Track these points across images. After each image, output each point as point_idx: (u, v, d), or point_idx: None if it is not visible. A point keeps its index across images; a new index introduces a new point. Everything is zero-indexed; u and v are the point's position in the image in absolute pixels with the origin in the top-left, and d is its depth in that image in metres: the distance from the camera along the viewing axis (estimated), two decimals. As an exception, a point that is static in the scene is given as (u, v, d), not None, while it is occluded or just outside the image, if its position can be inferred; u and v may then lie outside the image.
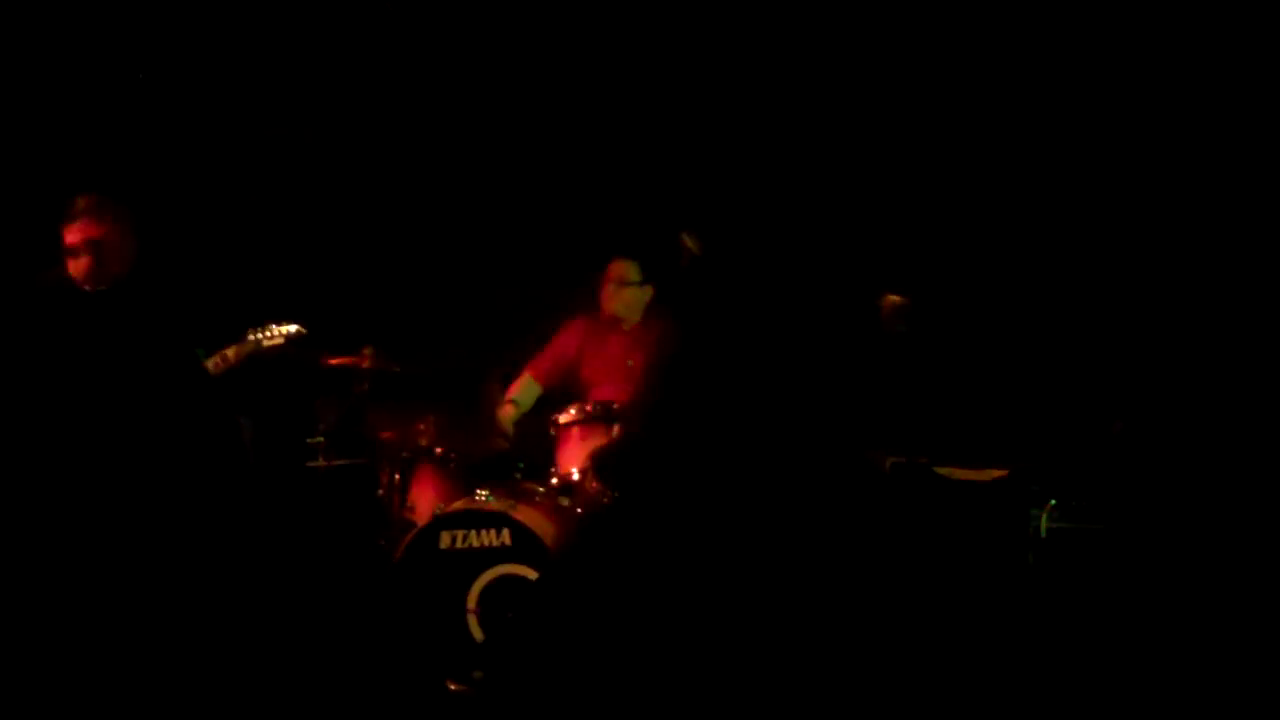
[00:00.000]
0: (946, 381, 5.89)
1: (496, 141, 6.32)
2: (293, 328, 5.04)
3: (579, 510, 5.20)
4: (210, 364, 4.99)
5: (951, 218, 6.09)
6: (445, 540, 5.27)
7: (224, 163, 6.28)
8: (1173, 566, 5.32)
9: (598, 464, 4.66)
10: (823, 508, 5.60)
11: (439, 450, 5.70)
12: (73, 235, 4.94)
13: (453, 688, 5.09)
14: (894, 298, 5.51)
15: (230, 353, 5.00)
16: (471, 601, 5.18)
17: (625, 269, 5.69)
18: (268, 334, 5.00)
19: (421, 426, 5.80)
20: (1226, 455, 5.54)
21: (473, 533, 5.24)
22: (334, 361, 5.73)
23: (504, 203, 6.32)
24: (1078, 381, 5.77)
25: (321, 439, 5.83)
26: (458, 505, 5.36)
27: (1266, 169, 5.69)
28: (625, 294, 5.70)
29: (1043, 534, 5.43)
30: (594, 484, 5.23)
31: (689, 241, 5.17)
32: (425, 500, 5.65)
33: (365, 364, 5.71)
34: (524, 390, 5.85)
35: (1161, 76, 5.81)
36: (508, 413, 5.78)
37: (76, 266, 4.97)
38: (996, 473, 5.56)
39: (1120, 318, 5.84)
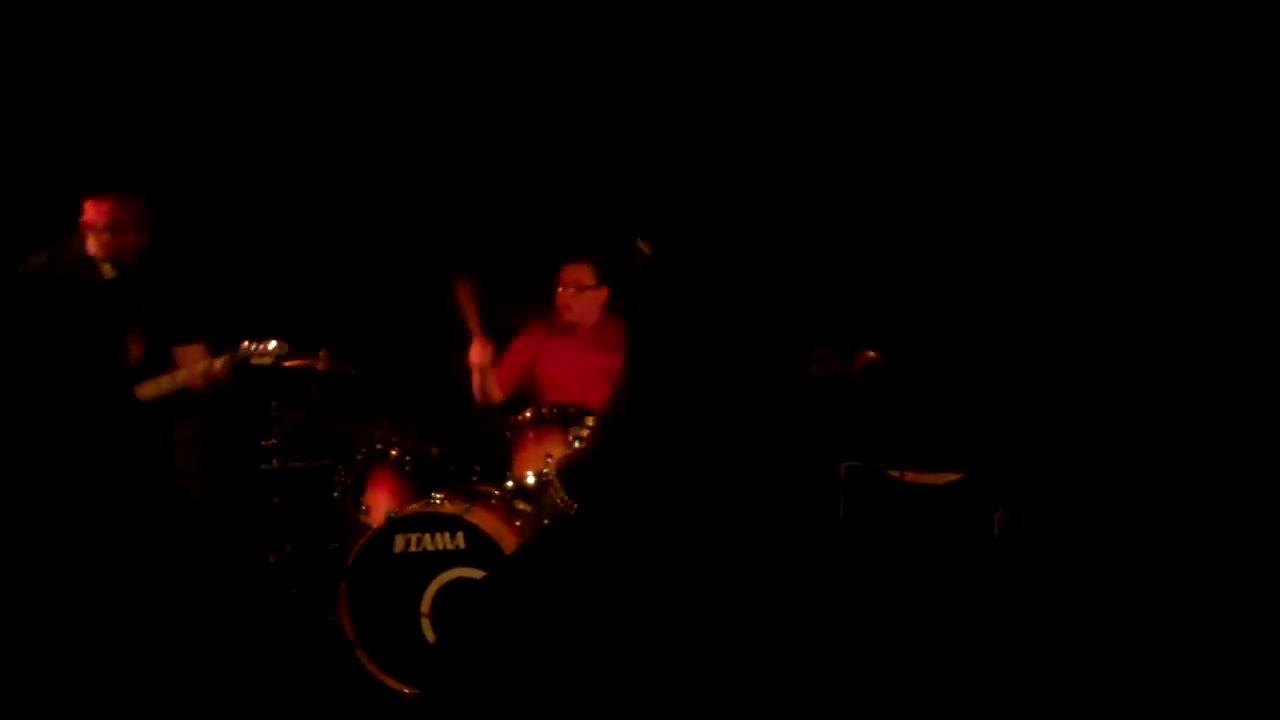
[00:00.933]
0: (903, 384, 5.91)
1: (455, 142, 6.30)
2: (284, 347, 5.04)
3: (546, 521, 5.17)
4: (199, 370, 4.97)
5: (910, 219, 6.10)
6: (399, 544, 5.25)
7: (181, 160, 6.24)
8: (1129, 567, 5.36)
9: (563, 474, 4.62)
10: (781, 512, 5.62)
11: (394, 453, 5.67)
12: (91, 213, 4.96)
13: (405, 691, 5.09)
14: (870, 354, 5.52)
15: (218, 363, 4.98)
16: (425, 605, 5.16)
17: (580, 272, 5.67)
18: (258, 349, 4.99)
19: (377, 428, 5.78)
20: (1186, 454, 5.59)
21: (427, 536, 5.23)
22: (289, 363, 5.70)
23: (461, 204, 6.29)
24: (1032, 383, 5.80)
25: (276, 441, 5.80)
26: (412, 508, 5.35)
27: (1248, 177, 5.72)
28: (582, 298, 5.68)
29: (995, 534, 5.46)
30: (559, 494, 5.22)
31: (643, 245, 5.16)
32: (380, 503, 5.63)
33: (321, 365, 5.67)
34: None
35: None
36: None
37: (97, 243, 4.98)
38: (951, 476, 5.58)
39: (1074, 318, 5.86)
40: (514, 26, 6.22)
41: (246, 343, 5.04)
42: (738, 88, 5.96)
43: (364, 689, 5.12)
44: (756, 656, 5.15)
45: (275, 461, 5.80)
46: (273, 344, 5.04)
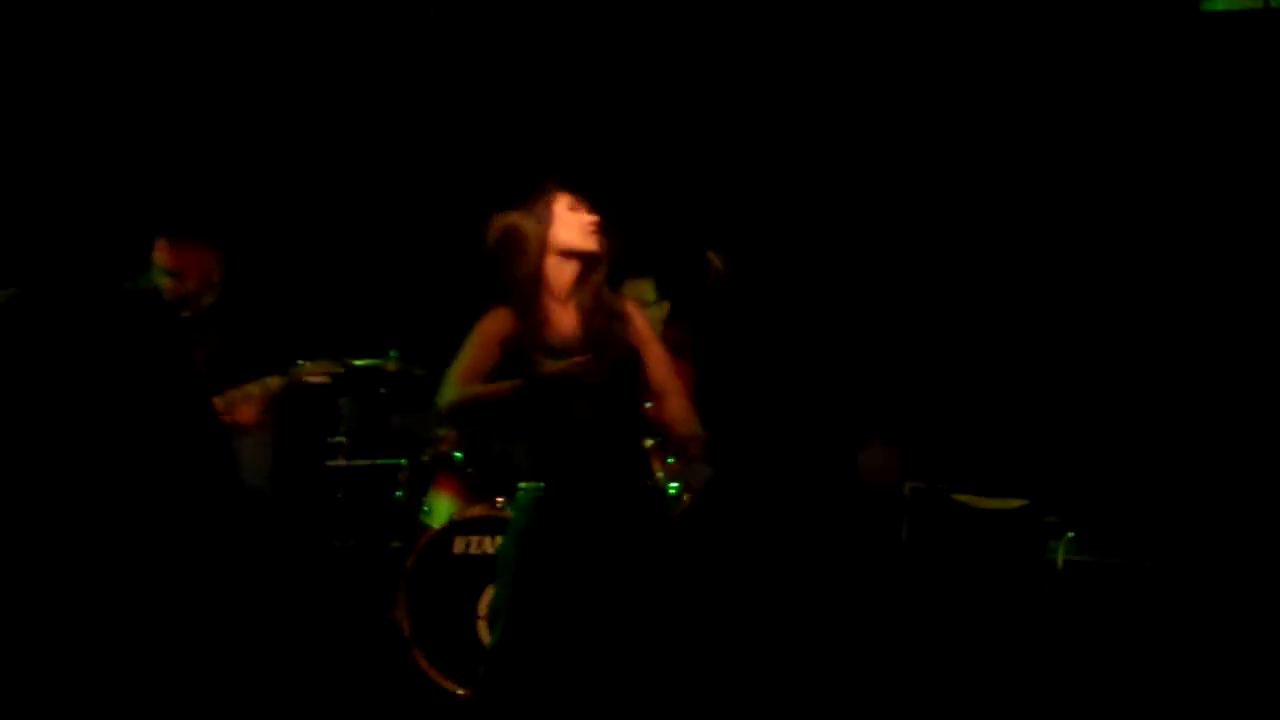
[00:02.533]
0: (968, 407, 5.88)
1: (520, 152, 6.34)
2: (338, 366, 5.06)
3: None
4: (257, 390, 4.99)
5: (979, 242, 6.06)
6: (459, 545, 5.29)
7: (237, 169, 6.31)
8: (1189, 602, 5.29)
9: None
10: (838, 529, 5.60)
11: (458, 455, 5.71)
12: (168, 258, 5.00)
13: (460, 693, 5.11)
14: (886, 449, 5.53)
15: (273, 382, 5.01)
16: (482, 608, 5.19)
17: (642, 289, 5.68)
18: (313, 370, 5.02)
19: (443, 431, 5.82)
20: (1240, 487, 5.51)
21: (486, 539, 5.26)
22: (359, 362, 5.76)
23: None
24: (1098, 412, 5.74)
25: (344, 439, 5.85)
26: (474, 511, 5.38)
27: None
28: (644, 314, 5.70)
29: (1059, 566, 5.41)
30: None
31: (715, 260, 5.18)
32: (443, 504, 5.67)
33: (390, 367, 5.74)
34: None
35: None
36: None
37: (172, 286, 5.04)
38: (1016, 502, 5.54)
39: (1145, 352, 5.81)
40: (566, 38, 6.25)
41: (301, 363, 5.06)
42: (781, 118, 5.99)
43: (418, 688, 5.15)
44: (812, 675, 5.16)
45: (342, 458, 5.86)
46: (326, 364, 5.06)
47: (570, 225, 4.00)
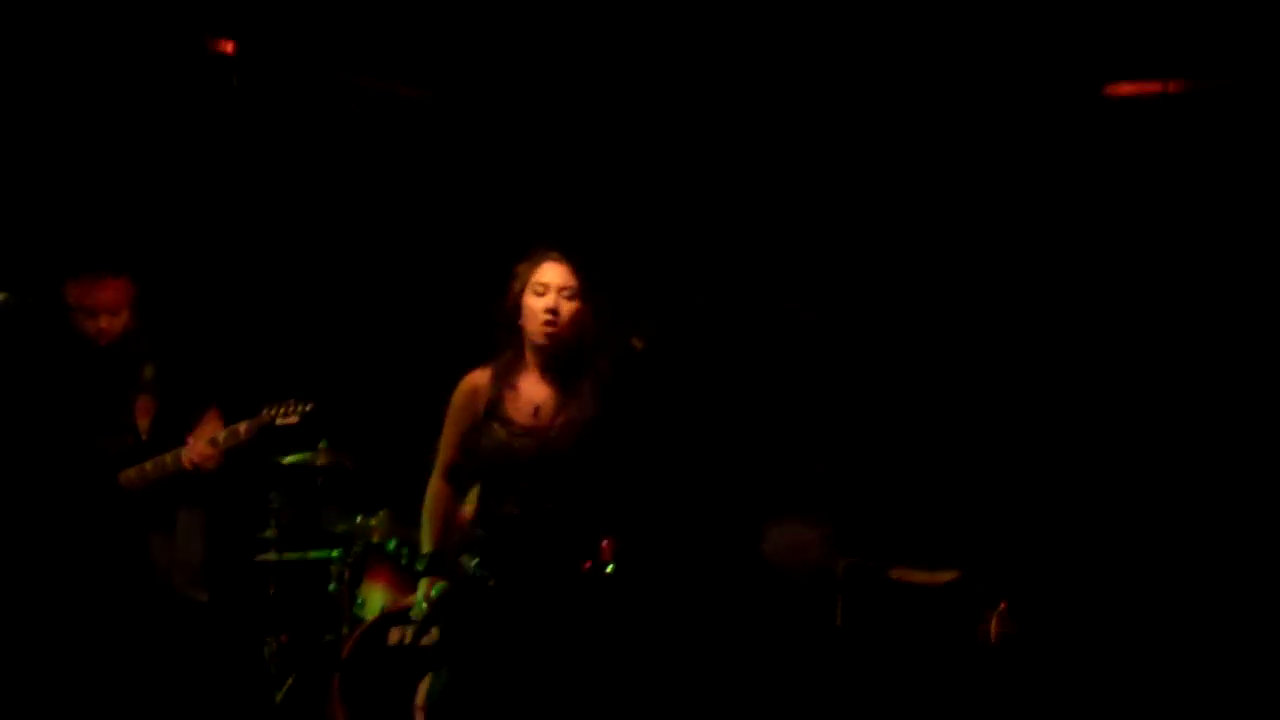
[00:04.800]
0: (901, 483, 5.92)
1: (453, 232, 6.36)
2: (307, 406, 5.01)
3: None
4: (221, 437, 4.94)
5: (909, 308, 6.12)
6: (394, 636, 5.24)
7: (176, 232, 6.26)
8: (1128, 671, 5.32)
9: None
10: (753, 614, 5.59)
11: (390, 545, 5.67)
12: (75, 295, 4.97)
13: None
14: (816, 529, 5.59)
15: (241, 428, 4.96)
16: (420, 698, 5.13)
17: None
18: (284, 411, 4.97)
19: (374, 522, 5.78)
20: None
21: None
22: (288, 459, 5.74)
23: (457, 296, 6.32)
24: (1029, 483, 5.80)
25: (274, 532, 5.80)
26: (408, 601, 5.32)
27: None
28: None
29: (993, 640, 5.43)
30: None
31: (637, 343, 5.20)
32: (376, 596, 5.62)
33: (320, 460, 5.72)
34: None
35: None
36: None
37: (81, 325, 4.99)
38: (948, 575, 5.56)
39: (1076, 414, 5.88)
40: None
41: (269, 408, 5.00)
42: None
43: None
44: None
45: (273, 553, 5.80)
46: (295, 404, 5.01)
47: (534, 306, 3.99)
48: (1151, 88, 5.79)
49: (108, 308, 4.96)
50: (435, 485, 4.22)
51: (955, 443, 5.91)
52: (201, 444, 4.92)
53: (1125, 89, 5.84)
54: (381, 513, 5.79)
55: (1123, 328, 5.87)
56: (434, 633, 5.06)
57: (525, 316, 4.00)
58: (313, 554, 5.89)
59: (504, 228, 5.96)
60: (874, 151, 6.05)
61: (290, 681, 5.61)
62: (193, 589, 5.22)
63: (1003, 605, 5.37)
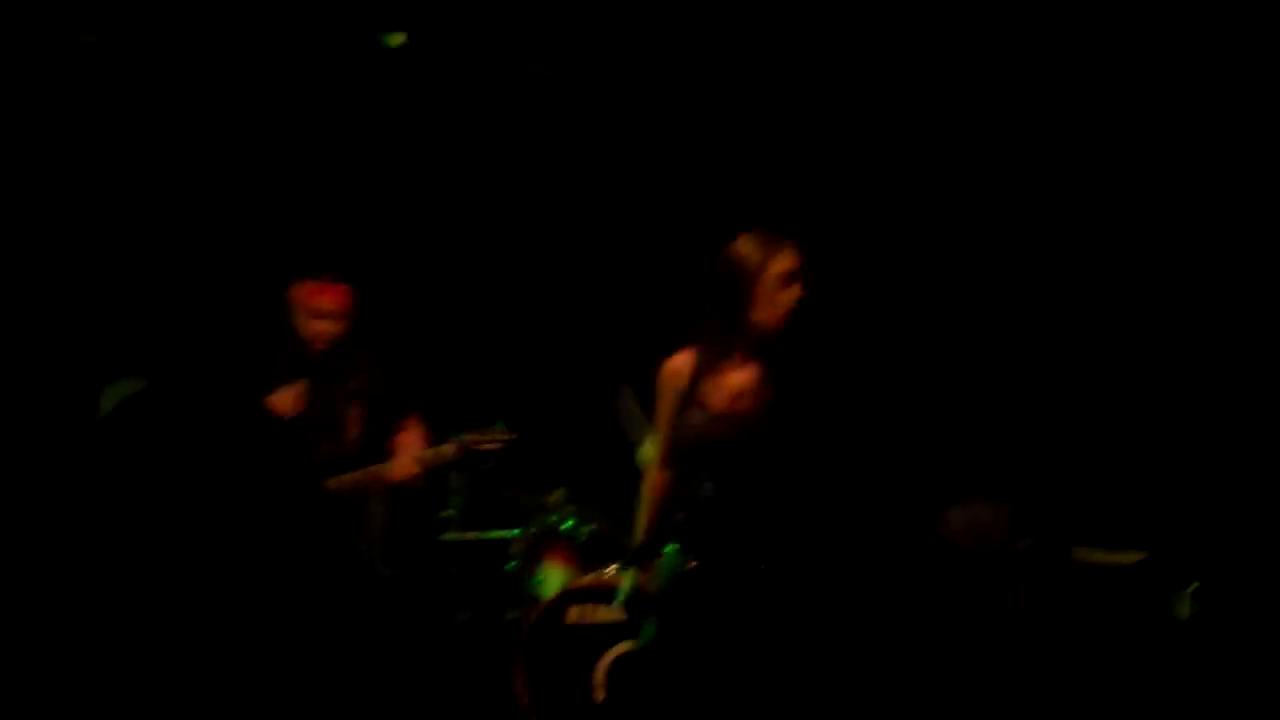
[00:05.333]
0: (1084, 461, 5.80)
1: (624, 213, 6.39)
2: (511, 435, 5.10)
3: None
4: (428, 457, 5.03)
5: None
6: (573, 615, 5.29)
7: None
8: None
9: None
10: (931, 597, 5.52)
11: (568, 525, 5.72)
12: (329, 300, 5.06)
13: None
14: (994, 508, 5.48)
15: (448, 450, 5.05)
16: (599, 675, 5.17)
17: None
18: (488, 439, 5.07)
19: (552, 501, 5.84)
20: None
21: (601, 608, 5.26)
22: (468, 437, 5.81)
23: (631, 279, 6.35)
24: (1218, 463, 5.63)
25: (454, 512, 5.89)
26: (585, 580, 5.38)
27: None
28: None
29: (1184, 618, 5.30)
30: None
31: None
32: (555, 574, 5.68)
33: (499, 438, 5.79)
34: None
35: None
36: None
37: (309, 327, 5.09)
38: (1135, 555, 5.44)
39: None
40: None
41: (473, 435, 5.08)
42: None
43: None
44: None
45: (454, 532, 5.89)
46: (499, 432, 5.09)
47: (783, 297, 3.94)
48: None
49: (332, 313, 5.04)
50: (656, 475, 4.16)
51: (1144, 420, 5.77)
52: (408, 462, 5.01)
53: None
54: (557, 492, 5.85)
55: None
56: (614, 611, 5.14)
57: (761, 306, 3.94)
58: (492, 533, 5.98)
59: (679, 212, 5.99)
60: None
61: (473, 659, 5.71)
62: (376, 565, 5.33)
63: (1192, 586, 5.24)
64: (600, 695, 5.15)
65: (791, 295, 3.93)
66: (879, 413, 5.57)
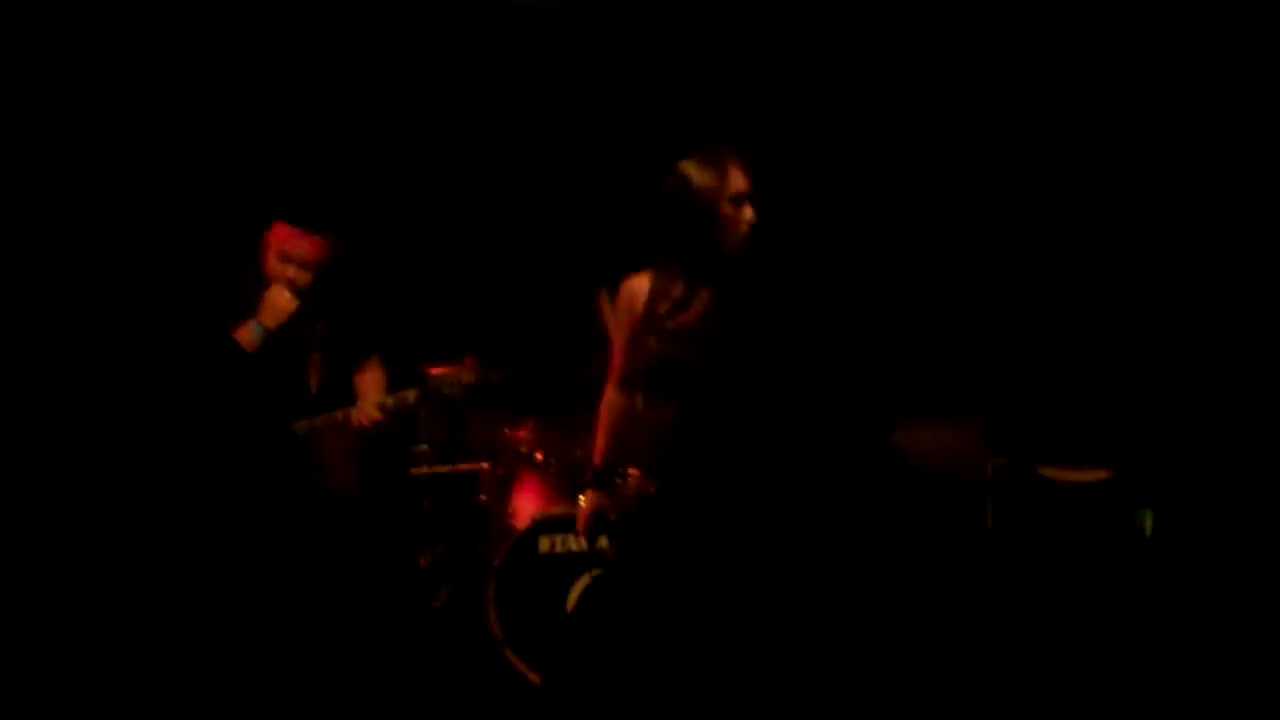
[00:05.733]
0: (1052, 379, 5.83)
1: (599, 147, 6.35)
2: (474, 378, 5.08)
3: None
4: (390, 403, 5.02)
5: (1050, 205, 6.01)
6: (545, 545, 5.33)
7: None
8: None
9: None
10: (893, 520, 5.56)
11: (539, 456, 5.75)
12: (304, 248, 5.04)
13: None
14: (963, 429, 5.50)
15: (410, 395, 5.04)
16: (570, 604, 5.21)
17: None
18: (449, 383, 5.06)
19: (522, 433, 5.86)
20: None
21: (572, 537, 5.30)
22: (436, 370, 5.81)
23: (599, 208, 6.33)
24: (1184, 378, 5.67)
25: (424, 446, 5.90)
26: (557, 510, 5.41)
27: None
28: None
29: (1148, 535, 5.35)
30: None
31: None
32: (526, 505, 5.71)
33: (467, 373, 5.79)
34: None
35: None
36: None
37: (283, 272, 5.06)
38: (1101, 473, 5.48)
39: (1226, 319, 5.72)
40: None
41: (436, 379, 5.07)
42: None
43: (511, 686, 5.19)
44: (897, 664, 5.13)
45: (425, 467, 5.91)
46: (464, 374, 5.07)
47: (734, 215, 3.88)
48: None
49: (305, 262, 5.02)
50: (610, 396, 4.16)
51: (1108, 339, 5.80)
52: (370, 407, 5.00)
53: None
54: (528, 423, 5.87)
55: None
56: (585, 542, 5.17)
57: (716, 228, 3.90)
58: (463, 466, 5.99)
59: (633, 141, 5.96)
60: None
61: (445, 592, 5.74)
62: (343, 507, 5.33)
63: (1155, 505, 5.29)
64: (573, 624, 5.18)
65: (745, 216, 3.90)
66: (843, 332, 5.59)
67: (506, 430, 5.89)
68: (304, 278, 5.03)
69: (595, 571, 5.16)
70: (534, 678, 5.19)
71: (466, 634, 5.44)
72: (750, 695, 3.95)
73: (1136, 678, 4.95)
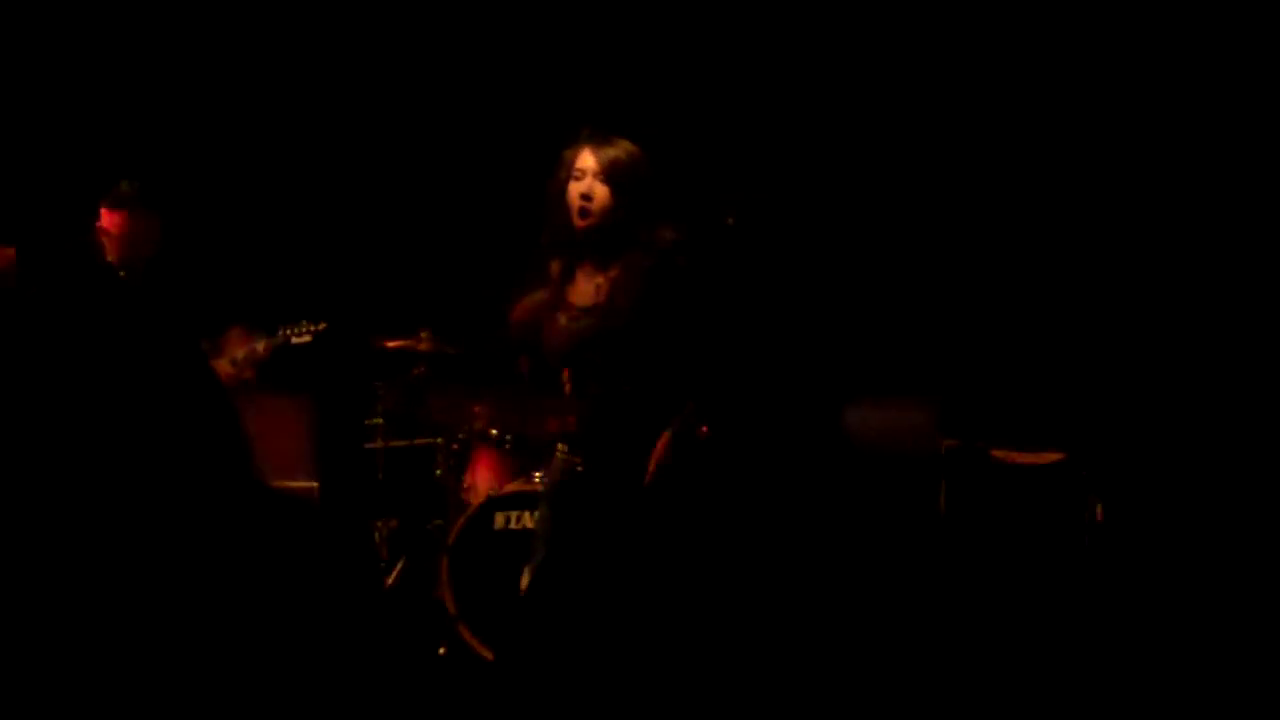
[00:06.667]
0: (1004, 362, 5.86)
1: (547, 123, 6.34)
2: (321, 325, 5.10)
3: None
4: (241, 354, 5.03)
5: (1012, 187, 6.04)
6: (499, 521, 5.32)
7: (282, 149, 6.34)
8: (1230, 553, 5.26)
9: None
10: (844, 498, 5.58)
11: (495, 432, 5.74)
12: (106, 221, 5.02)
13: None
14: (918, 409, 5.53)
15: (260, 346, 5.05)
16: (525, 582, 5.21)
17: None
18: (297, 330, 5.06)
19: (479, 409, 5.84)
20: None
21: (526, 514, 5.29)
22: (391, 344, 5.81)
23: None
24: (1137, 364, 5.72)
25: (380, 420, 5.89)
26: (512, 486, 5.41)
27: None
28: None
29: (1099, 519, 5.39)
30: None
31: (728, 219, 5.16)
32: (483, 481, 5.69)
33: (422, 346, 5.78)
34: None
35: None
36: None
37: (107, 247, 5.06)
38: (1054, 456, 5.53)
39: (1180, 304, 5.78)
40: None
41: (283, 328, 5.09)
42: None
43: (466, 662, 5.19)
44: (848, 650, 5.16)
45: (380, 440, 5.90)
46: (308, 323, 5.09)
47: (570, 191, 3.92)
48: None
49: (136, 240, 5.01)
50: None
51: (1061, 321, 5.84)
52: (223, 363, 5.02)
53: None
54: (485, 398, 5.86)
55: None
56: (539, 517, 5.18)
57: (561, 205, 3.95)
58: (419, 441, 5.98)
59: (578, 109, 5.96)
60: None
61: (400, 566, 5.73)
62: (299, 478, 5.32)
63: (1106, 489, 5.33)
64: (526, 601, 5.18)
65: (576, 191, 3.91)
66: (796, 309, 5.61)
67: (464, 405, 5.87)
68: (113, 249, 5.00)
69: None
70: (487, 653, 5.19)
71: (420, 608, 5.43)
72: (696, 670, 3.97)
73: (1089, 663, 5.00)
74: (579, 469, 4.02)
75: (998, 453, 5.57)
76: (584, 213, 3.91)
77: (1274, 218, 5.69)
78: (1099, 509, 5.41)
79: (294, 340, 5.06)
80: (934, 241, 5.99)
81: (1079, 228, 5.90)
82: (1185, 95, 5.73)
